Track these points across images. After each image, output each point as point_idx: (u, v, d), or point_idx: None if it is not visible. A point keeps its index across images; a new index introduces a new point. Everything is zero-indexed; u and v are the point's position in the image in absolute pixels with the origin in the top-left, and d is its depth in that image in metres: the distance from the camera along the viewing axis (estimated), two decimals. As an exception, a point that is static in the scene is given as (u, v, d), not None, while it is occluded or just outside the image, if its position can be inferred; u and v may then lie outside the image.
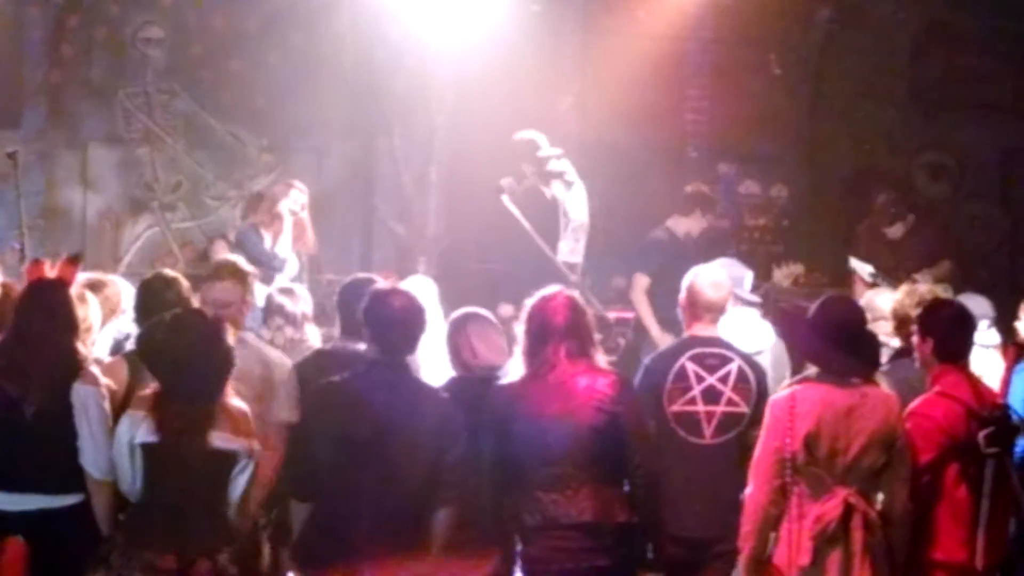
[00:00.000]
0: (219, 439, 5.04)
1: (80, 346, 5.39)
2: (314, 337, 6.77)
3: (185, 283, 5.95)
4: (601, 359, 5.50)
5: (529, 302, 5.48)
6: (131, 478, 5.07)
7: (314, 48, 10.90)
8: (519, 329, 5.45)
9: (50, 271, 5.43)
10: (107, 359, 5.84)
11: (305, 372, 5.83)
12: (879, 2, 11.92)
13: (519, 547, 5.34)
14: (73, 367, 5.26)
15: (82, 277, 5.91)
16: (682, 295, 6.09)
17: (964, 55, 11.87)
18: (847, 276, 9.88)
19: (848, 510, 5.17)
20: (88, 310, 5.75)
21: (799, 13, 11.72)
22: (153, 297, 5.79)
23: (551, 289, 5.53)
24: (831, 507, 5.17)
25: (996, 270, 11.47)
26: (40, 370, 5.24)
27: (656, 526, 5.47)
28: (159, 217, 11.06)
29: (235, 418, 5.12)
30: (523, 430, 5.28)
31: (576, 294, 5.60)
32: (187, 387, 5.03)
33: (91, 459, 5.18)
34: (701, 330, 6.00)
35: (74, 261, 5.50)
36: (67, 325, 5.35)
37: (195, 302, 5.88)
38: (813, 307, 5.49)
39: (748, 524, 5.31)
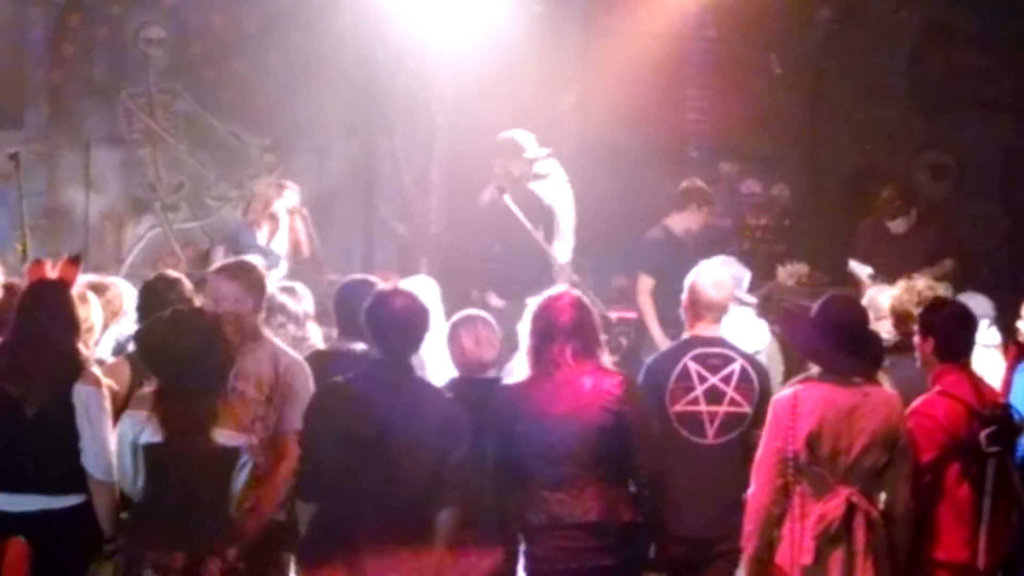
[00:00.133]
0: (222, 436, 5.05)
1: (81, 346, 5.39)
2: (316, 336, 6.76)
3: (188, 284, 5.95)
4: (607, 359, 5.49)
5: (534, 302, 5.47)
6: (133, 478, 5.07)
7: (315, 48, 10.88)
8: (523, 329, 5.45)
9: (51, 272, 5.43)
10: (109, 360, 5.83)
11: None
12: (879, 2, 11.88)
13: (523, 546, 5.34)
14: (74, 367, 5.26)
15: (84, 279, 5.90)
16: (684, 295, 6.08)
17: (964, 55, 11.84)
18: (848, 275, 9.87)
19: (850, 509, 5.17)
20: (89, 310, 5.75)
21: (800, 13, 11.70)
22: (155, 298, 5.78)
23: (557, 289, 5.53)
24: (833, 506, 5.17)
25: (997, 269, 11.43)
26: (41, 370, 5.23)
27: (659, 526, 5.48)
28: (161, 217, 11.05)
29: (236, 412, 5.12)
30: (528, 430, 5.28)
31: (581, 294, 5.59)
32: (188, 385, 5.03)
33: (92, 459, 5.18)
34: (703, 330, 6.00)
35: (75, 261, 5.50)
36: (68, 325, 5.34)
37: (198, 303, 5.86)
38: (815, 307, 5.49)
39: (750, 524, 5.31)
